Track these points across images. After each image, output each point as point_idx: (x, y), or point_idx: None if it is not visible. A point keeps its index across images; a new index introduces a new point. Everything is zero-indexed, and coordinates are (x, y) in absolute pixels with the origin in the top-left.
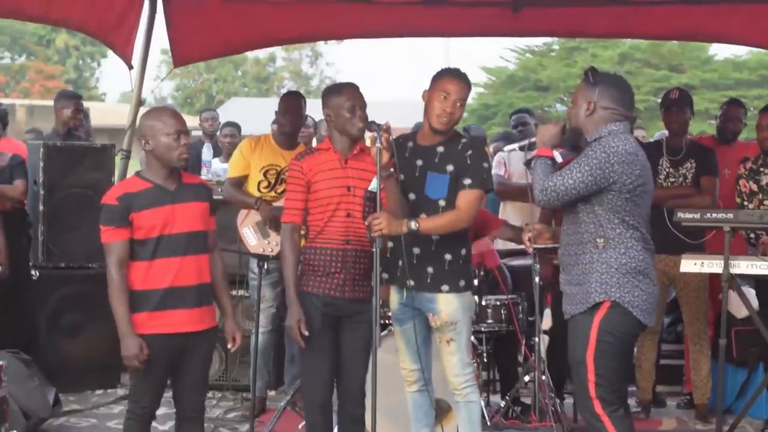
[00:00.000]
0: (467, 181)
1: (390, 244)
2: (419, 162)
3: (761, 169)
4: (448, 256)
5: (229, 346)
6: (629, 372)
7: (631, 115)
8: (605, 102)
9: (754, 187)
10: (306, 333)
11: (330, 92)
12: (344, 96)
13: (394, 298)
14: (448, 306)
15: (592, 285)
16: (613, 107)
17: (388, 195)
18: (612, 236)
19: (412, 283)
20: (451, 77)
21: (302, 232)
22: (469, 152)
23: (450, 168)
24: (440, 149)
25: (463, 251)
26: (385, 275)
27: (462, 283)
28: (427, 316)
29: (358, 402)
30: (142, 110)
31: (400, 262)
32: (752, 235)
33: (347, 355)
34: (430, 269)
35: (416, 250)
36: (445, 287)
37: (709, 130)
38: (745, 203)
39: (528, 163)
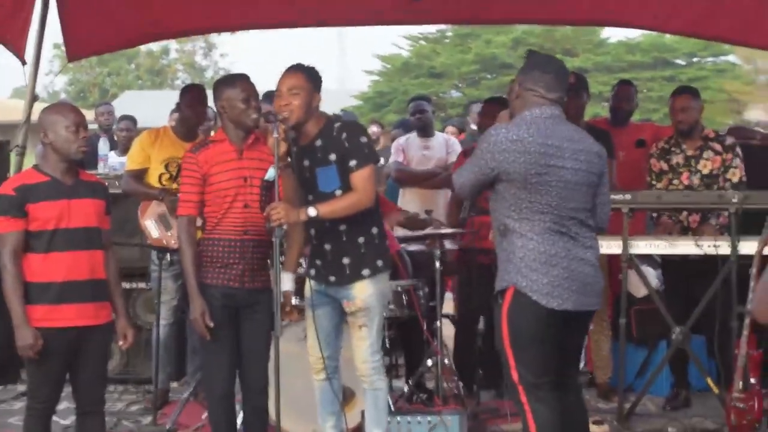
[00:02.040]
0: (353, 163)
1: (308, 247)
2: (306, 162)
3: (672, 149)
4: (361, 240)
5: (120, 343)
6: (551, 358)
7: (554, 97)
8: (528, 83)
9: (665, 167)
10: (211, 324)
11: (223, 84)
12: (238, 88)
13: (309, 284)
14: (363, 292)
15: (500, 271)
16: (534, 89)
17: (285, 185)
18: (510, 224)
19: (333, 279)
20: (282, 74)
21: (199, 225)
22: (344, 134)
23: (333, 157)
24: (318, 143)
25: (375, 230)
26: (312, 271)
27: (380, 263)
28: (342, 303)
29: (261, 392)
30: (36, 105)
31: (318, 261)
32: (655, 215)
33: (248, 345)
34: (346, 260)
35: (327, 246)
36: (366, 271)
37: (603, 113)
38: (654, 182)
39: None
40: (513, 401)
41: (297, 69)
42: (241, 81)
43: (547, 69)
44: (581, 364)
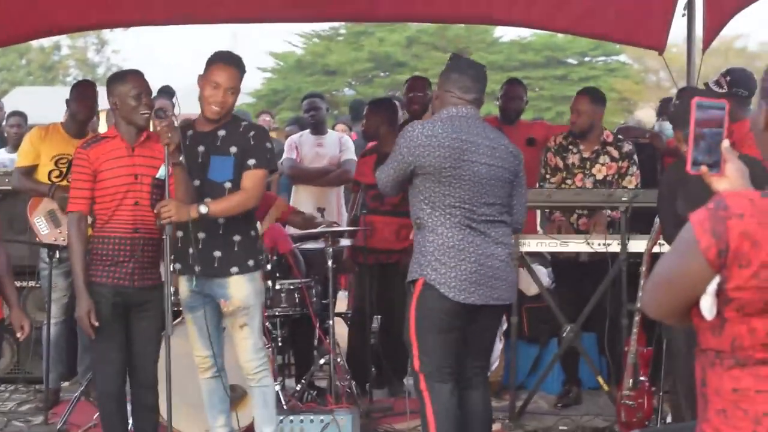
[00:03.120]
0: (252, 162)
1: (180, 233)
2: (201, 148)
3: (570, 146)
4: (237, 238)
5: (18, 335)
6: (453, 349)
7: (470, 98)
8: (446, 86)
9: (560, 164)
10: (96, 323)
11: (115, 80)
12: (129, 84)
13: (185, 286)
14: (240, 291)
15: (412, 263)
16: (451, 90)
17: (176, 183)
18: (424, 217)
19: (198, 269)
20: (222, 65)
21: (90, 222)
22: (252, 133)
23: (234, 150)
24: (221, 132)
25: (252, 232)
26: (178, 265)
27: (251, 263)
28: (218, 302)
29: (151, 390)
30: None
31: (191, 250)
32: (547, 212)
33: (138, 344)
34: (217, 253)
35: (201, 235)
36: (234, 269)
37: (495, 111)
38: (548, 176)
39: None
40: (414, 390)
41: (236, 65)
42: (132, 76)
43: (464, 71)
44: (495, 365)
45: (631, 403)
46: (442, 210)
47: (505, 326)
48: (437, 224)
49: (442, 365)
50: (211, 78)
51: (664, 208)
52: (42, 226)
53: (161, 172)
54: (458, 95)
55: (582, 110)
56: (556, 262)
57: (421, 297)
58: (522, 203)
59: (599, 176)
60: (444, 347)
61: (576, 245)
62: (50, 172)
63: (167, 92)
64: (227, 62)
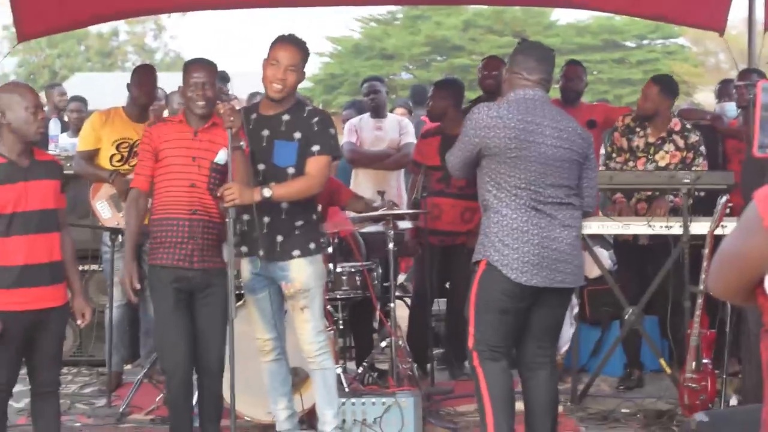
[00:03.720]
0: (316, 148)
1: (245, 217)
2: (265, 132)
3: (637, 129)
4: (299, 222)
5: (78, 322)
6: (512, 330)
7: (536, 78)
8: (513, 67)
9: (625, 145)
10: (137, 286)
11: (184, 68)
12: (189, 72)
13: (246, 268)
14: (301, 273)
15: (478, 244)
16: (517, 71)
17: (236, 166)
18: (489, 198)
19: (261, 253)
20: (282, 44)
21: (149, 206)
22: (316, 119)
23: (297, 135)
24: (286, 117)
25: (314, 216)
26: (244, 248)
27: (312, 245)
28: (280, 285)
29: (217, 375)
30: None
31: (255, 234)
32: (609, 194)
33: (203, 329)
34: (279, 237)
35: (266, 219)
36: (296, 252)
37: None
38: (614, 155)
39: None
40: (468, 367)
41: (297, 44)
42: (195, 66)
43: (529, 53)
44: (564, 348)
45: (694, 385)
46: (508, 191)
47: (576, 310)
48: (502, 205)
49: (495, 344)
50: (272, 57)
51: (749, 184)
52: (104, 210)
53: (220, 157)
54: (525, 76)
55: (649, 96)
56: (618, 244)
57: (483, 277)
58: (592, 186)
59: (661, 163)
60: (499, 328)
61: (637, 228)
62: (111, 156)
63: (222, 78)
64: (288, 41)
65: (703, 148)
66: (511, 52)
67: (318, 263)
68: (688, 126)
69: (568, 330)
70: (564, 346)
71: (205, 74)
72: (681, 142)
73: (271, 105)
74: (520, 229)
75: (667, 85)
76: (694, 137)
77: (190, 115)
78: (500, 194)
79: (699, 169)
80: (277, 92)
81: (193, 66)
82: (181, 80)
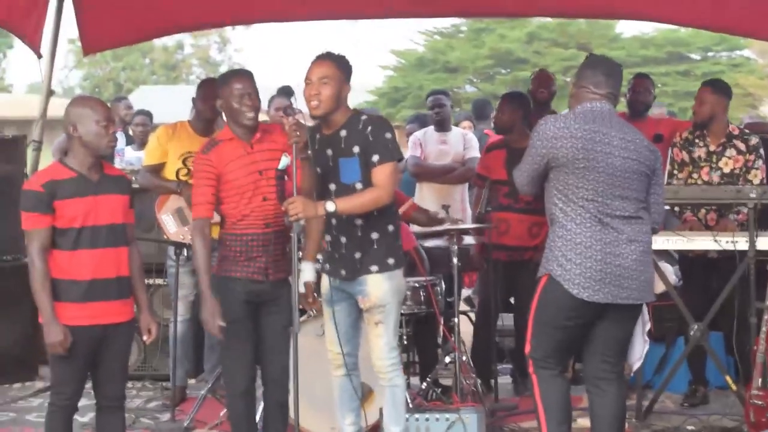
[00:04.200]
0: (375, 158)
1: (327, 238)
2: (329, 151)
3: (696, 140)
4: (374, 235)
5: (144, 338)
6: (569, 343)
7: (604, 92)
8: (581, 81)
9: (686, 158)
10: (222, 324)
11: (220, 82)
12: (232, 85)
13: (326, 280)
14: (378, 288)
15: (543, 258)
16: (585, 85)
17: (303, 176)
18: (555, 212)
19: (344, 273)
20: (313, 62)
21: (216, 221)
22: (369, 128)
23: (356, 149)
24: (343, 133)
25: (390, 228)
26: (327, 266)
27: (391, 261)
28: (357, 299)
29: (283, 387)
30: (52, 101)
31: (336, 254)
32: (676, 209)
33: (269, 340)
34: (357, 254)
35: (343, 239)
36: (374, 267)
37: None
38: (675, 172)
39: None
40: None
41: (327, 57)
42: (235, 78)
43: (597, 67)
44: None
45: (760, 403)
46: (575, 203)
47: (648, 326)
48: (567, 219)
49: (549, 356)
50: (306, 78)
51: None
52: (170, 224)
53: (283, 163)
54: (592, 90)
55: (704, 99)
56: (684, 259)
57: (545, 290)
58: (659, 202)
59: (726, 169)
60: (556, 340)
61: (703, 242)
62: (178, 170)
63: (286, 92)
64: (317, 58)
65: (762, 151)
66: (579, 66)
67: (395, 279)
68: (746, 130)
69: (641, 347)
70: (637, 363)
71: (247, 84)
72: (742, 146)
73: (329, 123)
74: (584, 243)
75: (718, 85)
76: (754, 140)
77: (237, 130)
78: (566, 208)
79: (759, 173)
80: (315, 109)
81: (233, 78)
82: (219, 96)
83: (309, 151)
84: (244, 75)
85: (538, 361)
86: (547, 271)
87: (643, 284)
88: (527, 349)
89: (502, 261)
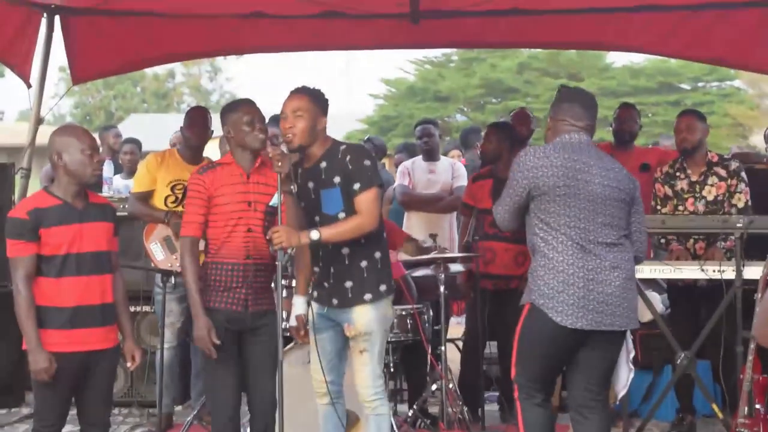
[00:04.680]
0: (357, 186)
1: (315, 270)
2: (311, 184)
3: (677, 173)
4: (363, 264)
5: (128, 364)
6: (553, 370)
7: (582, 124)
8: (558, 115)
9: (669, 192)
10: (217, 342)
11: (227, 110)
12: (241, 111)
13: (313, 307)
14: (363, 317)
15: (526, 288)
16: (563, 118)
17: (286, 210)
18: (537, 242)
19: (336, 301)
20: (287, 97)
21: (201, 248)
22: (349, 157)
23: (337, 179)
24: (323, 165)
25: (378, 254)
26: (315, 293)
27: (383, 287)
28: (343, 326)
29: (268, 414)
30: (42, 129)
31: (326, 284)
32: (662, 240)
33: (253, 368)
34: (348, 283)
35: (332, 269)
36: (368, 296)
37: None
38: (659, 207)
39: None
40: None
41: (301, 91)
42: (244, 105)
43: (574, 99)
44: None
45: (746, 431)
46: (557, 231)
47: (632, 354)
48: (549, 248)
49: (535, 383)
50: (281, 111)
51: None
52: (158, 252)
53: (274, 200)
54: (571, 122)
55: (694, 127)
56: (673, 288)
57: (528, 318)
58: (641, 230)
59: (710, 197)
60: (541, 367)
61: (690, 272)
62: (166, 198)
63: (276, 120)
64: (292, 93)
65: (744, 174)
66: (554, 99)
67: (383, 308)
68: (725, 155)
69: (626, 374)
70: (622, 390)
71: (254, 110)
72: (723, 172)
73: (308, 156)
74: (566, 271)
75: (701, 115)
76: (734, 164)
77: (239, 156)
78: (548, 236)
79: (742, 196)
80: (290, 141)
81: (242, 105)
82: (224, 124)
83: (293, 185)
84: (251, 103)
85: (522, 387)
86: (530, 300)
87: (626, 311)
88: (512, 372)
89: (488, 290)
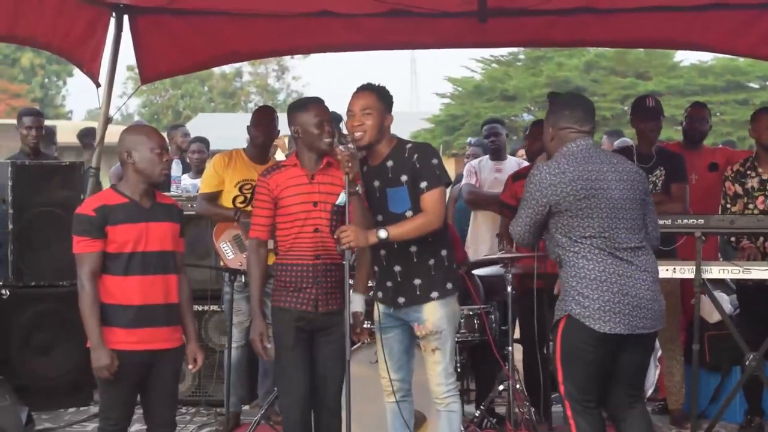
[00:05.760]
0: (424, 184)
1: (376, 269)
2: (376, 183)
3: (748, 171)
4: (431, 262)
5: (189, 367)
6: (600, 378)
7: (587, 129)
8: (561, 123)
9: (739, 190)
10: (269, 346)
11: (296, 108)
12: (311, 112)
13: (379, 307)
14: (433, 315)
15: (558, 301)
16: (567, 126)
17: (354, 212)
18: (563, 254)
19: (403, 300)
20: (354, 94)
21: (271, 248)
22: (416, 156)
23: (404, 178)
24: (390, 163)
25: (444, 252)
26: (380, 294)
27: (449, 285)
28: (412, 326)
29: (334, 414)
30: (110, 128)
31: (389, 283)
32: (732, 239)
33: (322, 367)
34: (417, 281)
35: (397, 268)
36: (434, 294)
37: (676, 136)
38: (729, 206)
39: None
40: (563, 416)
41: (368, 88)
42: (314, 105)
43: (575, 105)
44: (650, 391)
45: None
46: (582, 242)
47: (659, 353)
48: (578, 257)
49: (586, 394)
50: (348, 110)
51: None
52: (228, 251)
53: (341, 199)
54: (577, 129)
55: None
56: (742, 288)
57: (566, 330)
58: (654, 220)
59: None
60: (589, 378)
61: (759, 272)
62: (234, 198)
63: (334, 119)
64: (358, 90)
65: None
66: (550, 109)
67: (451, 305)
68: None
69: (653, 372)
70: (650, 388)
71: (325, 111)
72: None
73: (373, 155)
74: (599, 278)
75: None
76: None
77: (305, 157)
78: (575, 247)
79: None
80: (359, 140)
81: (312, 105)
82: (291, 122)
83: (358, 187)
84: (321, 102)
85: (575, 403)
86: (566, 312)
87: (657, 313)
88: (562, 389)
89: (540, 289)
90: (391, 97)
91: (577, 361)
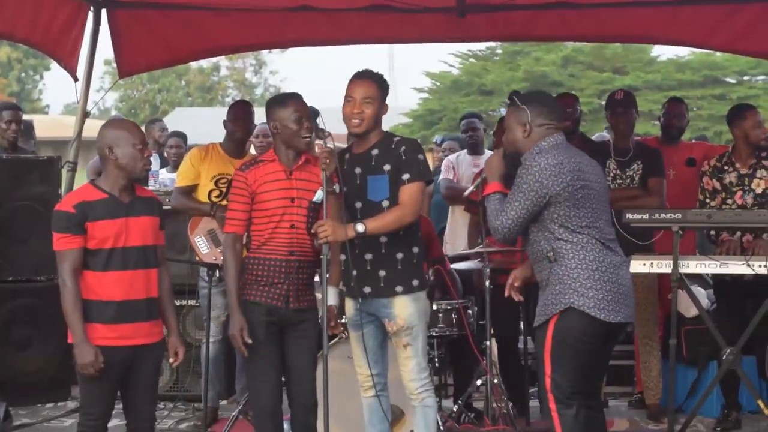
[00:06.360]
0: (406, 176)
1: (342, 257)
2: (358, 169)
3: (725, 167)
4: (399, 255)
5: (171, 360)
6: (589, 372)
7: (563, 125)
8: (538, 120)
9: (717, 186)
10: (249, 341)
11: (275, 104)
12: (290, 108)
13: (350, 303)
14: (404, 310)
15: (549, 297)
16: (544, 123)
17: (331, 207)
18: (559, 246)
19: (368, 290)
20: (356, 79)
21: (244, 242)
22: (403, 148)
23: (387, 167)
24: (375, 152)
25: (416, 249)
26: (343, 288)
27: (416, 282)
28: (383, 322)
29: (310, 410)
30: (87, 122)
31: (355, 272)
32: (712, 233)
33: (295, 363)
34: (382, 272)
35: (368, 256)
36: (399, 288)
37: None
38: (707, 200)
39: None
40: (543, 410)
41: (371, 77)
42: (293, 101)
43: (548, 102)
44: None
45: None
46: (580, 231)
47: None
48: (578, 248)
49: (574, 386)
50: (347, 94)
51: None
52: (202, 246)
53: (318, 196)
54: (555, 125)
55: (761, 122)
56: (720, 282)
57: (561, 324)
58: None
59: (758, 190)
60: (579, 371)
61: (736, 267)
62: (210, 192)
63: (312, 113)
64: (360, 76)
65: None
66: (523, 106)
67: (421, 300)
68: None
69: None
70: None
71: (303, 108)
72: None
73: (361, 143)
74: (600, 269)
75: (754, 107)
76: None
77: (283, 153)
78: (573, 238)
79: None
80: (356, 126)
81: (291, 101)
82: (270, 118)
83: (336, 186)
84: (300, 98)
85: (561, 397)
86: (566, 305)
87: (633, 303)
88: (547, 383)
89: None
90: (388, 87)
91: (573, 354)
